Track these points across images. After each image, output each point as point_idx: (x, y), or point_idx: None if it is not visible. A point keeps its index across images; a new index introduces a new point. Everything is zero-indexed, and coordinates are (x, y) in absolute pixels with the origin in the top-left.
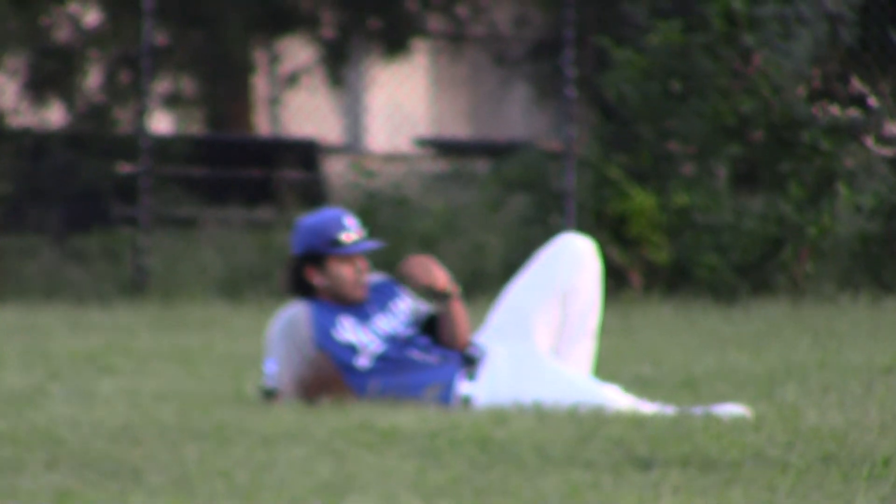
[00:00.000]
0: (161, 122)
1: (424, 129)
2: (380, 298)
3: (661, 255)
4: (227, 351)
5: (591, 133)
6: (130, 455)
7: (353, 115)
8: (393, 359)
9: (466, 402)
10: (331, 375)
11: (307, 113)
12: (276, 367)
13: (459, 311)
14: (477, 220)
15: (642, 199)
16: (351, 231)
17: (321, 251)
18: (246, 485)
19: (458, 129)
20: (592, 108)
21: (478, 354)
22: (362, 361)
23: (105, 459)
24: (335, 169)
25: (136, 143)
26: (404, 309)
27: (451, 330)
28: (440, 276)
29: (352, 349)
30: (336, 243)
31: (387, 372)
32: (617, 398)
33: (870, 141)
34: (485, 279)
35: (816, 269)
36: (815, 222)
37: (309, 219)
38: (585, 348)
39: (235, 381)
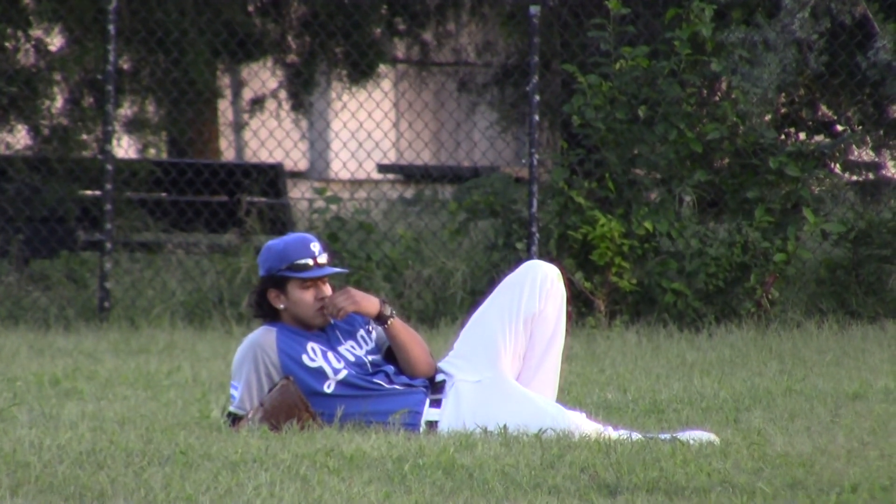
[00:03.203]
0: (125, 147)
1: (389, 155)
2: (347, 325)
3: (626, 281)
4: (191, 376)
5: (555, 159)
6: (95, 480)
7: (318, 140)
8: (359, 385)
9: (432, 427)
10: (297, 401)
11: (272, 139)
12: (241, 392)
13: (403, 332)
14: (442, 247)
15: (607, 225)
16: (313, 256)
17: (282, 274)
18: None
19: (423, 155)
20: (557, 134)
21: (442, 380)
22: (329, 387)
23: (70, 484)
24: (300, 194)
25: (100, 168)
26: (372, 336)
27: (404, 354)
28: (367, 302)
29: (318, 375)
30: (297, 267)
31: (353, 398)
32: (583, 424)
33: (836, 167)
34: (450, 305)
35: (782, 295)
36: (781, 248)
37: (275, 242)
38: (551, 374)
39: (200, 406)
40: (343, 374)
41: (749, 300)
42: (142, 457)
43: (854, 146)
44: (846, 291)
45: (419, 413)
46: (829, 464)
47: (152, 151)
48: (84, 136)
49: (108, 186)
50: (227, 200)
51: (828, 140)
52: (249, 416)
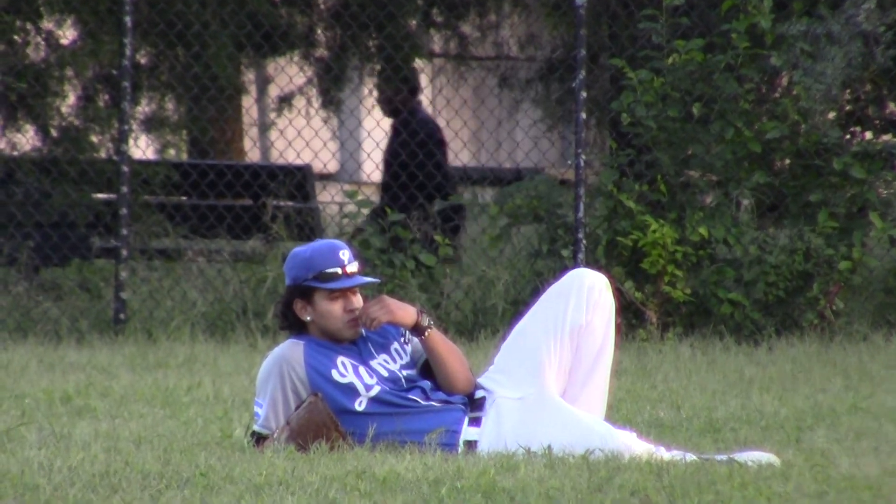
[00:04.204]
0: (142, 148)
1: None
2: (380, 338)
3: (680, 290)
4: (212, 392)
5: (604, 160)
6: None
7: (349, 140)
8: (393, 402)
9: (471, 447)
10: (326, 419)
11: (300, 138)
12: (266, 410)
13: (441, 344)
14: (482, 254)
15: (659, 231)
16: (342, 265)
17: (309, 285)
18: None
19: (461, 156)
20: (606, 133)
21: (482, 397)
22: (360, 405)
23: None
24: (329, 198)
25: (115, 170)
26: (407, 349)
27: (442, 368)
28: (403, 312)
29: (349, 391)
30: (324, 276)
31: (386, 416)
32: (633, 444)
33: None
34: (490, 317)
35: (847, 305)
36: (846, 255)
37: (301, 249)
38: (598, 390)
39: (222, 425)
40: (376, 390)
41: (812, 311)
42: (159, 479)
43: None
44: None
45: (457, 432)
46: None
47: (171, 152)
48: (98, 137)
49: (124, 189)
50: (252, 204)
51: None
52: (275, 435)
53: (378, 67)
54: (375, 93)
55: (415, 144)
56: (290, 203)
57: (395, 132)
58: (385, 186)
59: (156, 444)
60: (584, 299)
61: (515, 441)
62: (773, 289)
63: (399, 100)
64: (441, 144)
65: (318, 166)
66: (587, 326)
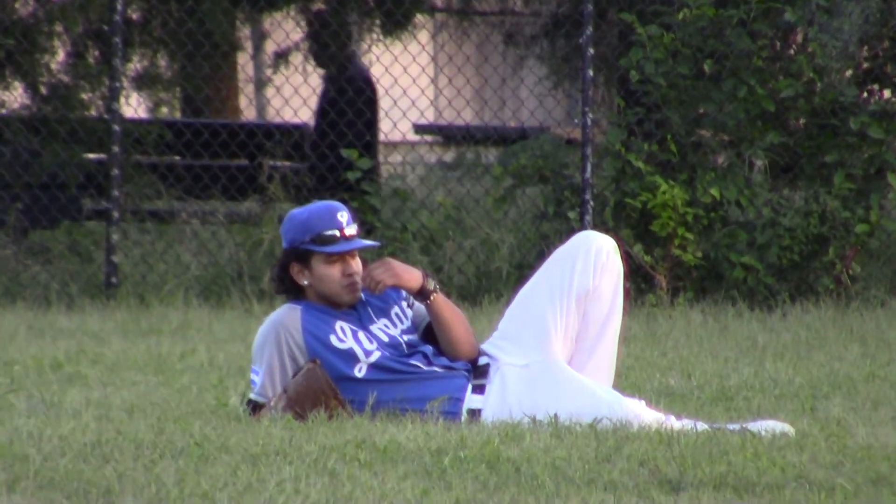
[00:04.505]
0: (134, 106)
1: (427, 114)
2: (380, 302)
3: (691, 254)
4: (207, 359)
5: (612, 119)
6: (101, 474)
7: None
8: (394, 369)
9: (474, 416)
10: (324, 386)
11: (297, 96)
12: (262, 377)
13: (446, 309)
14: (485, 216)
15: (669, 192)
16: (341, 227)
17: (305, 248)
18: None
19: (464, 115)
20: (614, 91)
21: (486, 364)
22: (359, 371)
23: (72, 479)
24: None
25: (106, 129)
26: (408, 314)
27: (446, 334)
28: (408, 275)
29: (348, 357)
30: (322, 240)
31: (386, 383)
32: (642, 412)
33: None
34: (494, 281)
35: (864, 270)
36: (863, 218)
37: (299, 211)
38: (606, 357)
39: (217, 393)
40: (376, 356)
41: (827, 276)
42: (152, 449)
43: None
44: None
45: (460, 400)
46: None
47: (164, 110)
48: (88, 95)
49: (116, 149)
50: (248, 165)
51: None
52: (272, 403)
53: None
54: (306, 44)
55: (346, 101)
56: (286, 163)
57: (326, 87)
58: (313, 145)
59: (149, 413)
60: (591, 263)
61: (520, 409)
62: (788, 252)
63: (329, 54)
64: (372, 103)
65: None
66: (594, 291)
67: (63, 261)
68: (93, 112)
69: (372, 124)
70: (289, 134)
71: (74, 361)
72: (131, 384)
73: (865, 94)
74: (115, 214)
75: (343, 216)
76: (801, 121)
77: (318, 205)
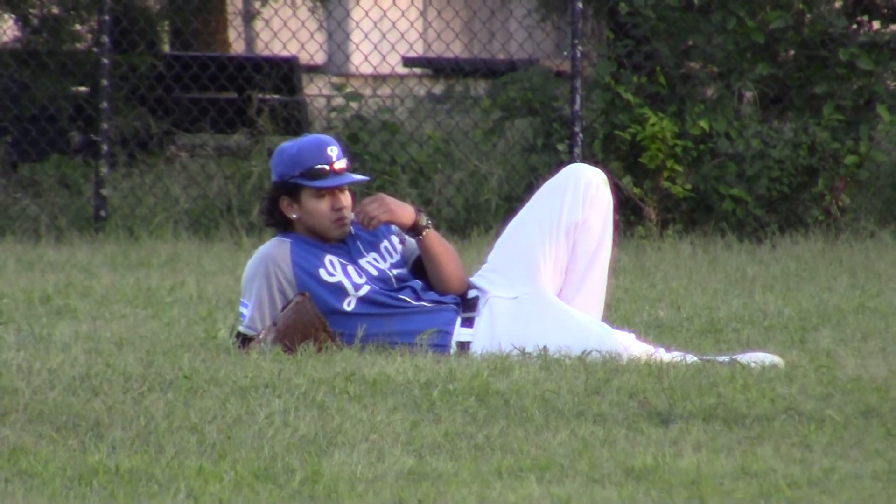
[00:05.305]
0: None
1: (416, 47)
2: (370, 236)
3: (680, 186)
4: (196, 292)
5: (601, 51)
6: (90, 407)
7: (337, 31)
8: (383, 302)
9: (463, 349)
10: (314, 319)
11: (286, 29)
12: (252, 310)
13: (437, 244)
14: (474, 148)
15: (658, 125)
16: (330, 161)
17: (294, 182)
18: (218, 440)
19: (453, 47)
20: (603, 23)
21: (475, 297)
22: (349, 305)
23: (62, 412)
24: (317, 91)
25: (95, 61)
26: (398, 248)
27: (437, 268)
28: (401, 211)
29: (337, 290)
30: (311, 174)
31: (376, 317)
32: (632, 345)
33: None
34: (483, 213)
35: (854, 201)
36: (853, 150)
37: (288, 145)
38: (596, 290)
39: (206, 326)
40: (365, 289)
41: (817, 207)
42: (141, 382)
43: None
44: None
45: (449, 333)
46: None
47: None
48: (78, 27)
49: (105, 83)
50: (237, 98)
51: None
52: (261, 336)
53: None
54: None
55: None
56: (275, 96)
57: None
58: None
59: (138, 346)
60: (580, 195)
61: (509, 342)
62: (777, 184)
63: None
64: None
65: (304, 58)
66: (584, 223)
67: (52, 194)
68: (83, 45)
69: None
70: (277, 67)
71: (63, 294)
72: (120, 317)
73: (855, 26)
74: (105, 147)
75: (333, 150)
76: (791, 52)
77: (307, 138)
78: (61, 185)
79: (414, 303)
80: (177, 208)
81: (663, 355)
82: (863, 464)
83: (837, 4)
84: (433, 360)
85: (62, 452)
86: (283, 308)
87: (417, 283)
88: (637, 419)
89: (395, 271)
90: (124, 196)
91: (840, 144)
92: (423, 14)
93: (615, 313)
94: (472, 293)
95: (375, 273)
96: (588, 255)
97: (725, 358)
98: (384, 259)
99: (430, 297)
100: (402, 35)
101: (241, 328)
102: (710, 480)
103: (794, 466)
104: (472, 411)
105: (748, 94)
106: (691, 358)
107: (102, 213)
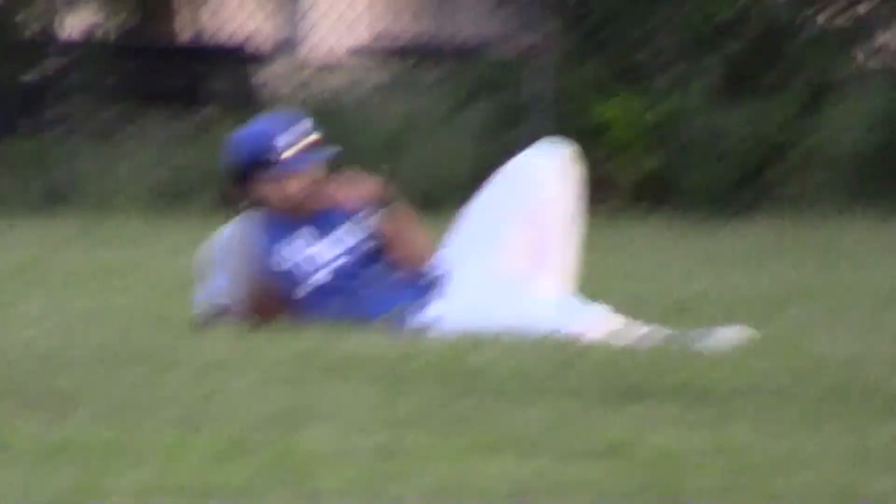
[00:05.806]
0: (72, 25)
1: (368, 30)
2: (338, 212)
3: (648, 164)
4: (163, 268)
5: (558, 35)
6: (60, 380)
7: (290, 15)
8: (351, 277)
9: (432, 325)
10: (279, 296)
11: (235, 15)
12: (221, 285)
13: (404, 219)
14: (438, 126)
15: (623, 105)
16: (299, 138)
17: (263, 158)
18: (191, 413)
19: (406, 31)
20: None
21: (442, 275)
22: (315, 280)
23: (32, 385)
24: (271, 76)
25: (43, 48)
26: (364, 224)
27: (401, 245)
28: (370, 186)
29: (306, 264)
30: (279, 151)
31: (343, 293)
32: (602, 321)
33: (860, 53)
34: (448, 191)
35: (820, 179)
36: (817, 128)
37: (255, 122)
38: (563, 267)
39: (175, 301)
40: (333, 265)
41: (783, 186)
42: (112, 355)
43: (880, 29)
44: (890, 179)
45: (413, 313)
46: (873, 367)
47: (101, 31)
48: (25, 14)
49: (52, 69)
50: (188, 83)
51: (851, 24)
52: (231, 310)
53: None
54: None
55: None
56: (225, 84)
57: None
58: None
59: (108, 320)
60: (548, 172)
61: (477, 319)
62: (745, 162)
63: None
64: None
65: (255, 43)
66: (552, 201)
67: (20, 169)
68: (30, 33)
69: None
70: (230, 52)
71: (32, 268)
72: (89, 292)
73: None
74: (57, 131)
75: (301, 126)
76: (737, 46)
77: (276, 115)
78: (30, 160)
79: (381, 279)
80: (143, 183)
81: (634, 331)
82: (837, 439)
83: None
84: (404, 335)
85: (32, 426)
86: (249, 285)
87: (384, 259)
88: (611, 395)
89: (363, 247)
90: (89, 171)
91: (802, 125)
92: None
93: (582, 291)
94: (438, 271)
95: (342, 249)
96: (556, 233)
97: (695, 334)
98: (353, 234)
99: (397, 273)
100: (355, 19)
101: (210, 303)
102: (686, 456)
103: (769, 441)
104: (448, 385)
105: (712, 74)
106: (662, 334)
107: (65, 192)
